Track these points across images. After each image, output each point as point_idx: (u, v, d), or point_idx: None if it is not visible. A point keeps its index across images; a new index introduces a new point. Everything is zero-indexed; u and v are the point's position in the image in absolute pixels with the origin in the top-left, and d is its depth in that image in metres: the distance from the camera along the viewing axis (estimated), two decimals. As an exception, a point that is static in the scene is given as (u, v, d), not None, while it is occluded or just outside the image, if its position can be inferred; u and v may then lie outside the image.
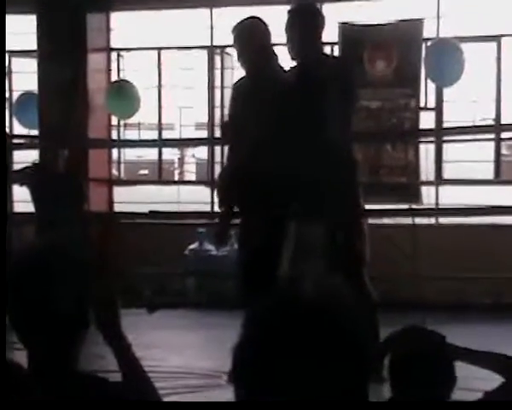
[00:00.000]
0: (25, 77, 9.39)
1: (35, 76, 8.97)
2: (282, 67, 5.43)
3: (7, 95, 9.30)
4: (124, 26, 9.72)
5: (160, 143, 9.64)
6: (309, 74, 5.12)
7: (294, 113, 5.05)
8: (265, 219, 5.18)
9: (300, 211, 5.17)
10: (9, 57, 9.35)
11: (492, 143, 8.62)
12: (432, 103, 8.52)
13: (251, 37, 5.33)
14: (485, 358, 2.54)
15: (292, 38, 5.17)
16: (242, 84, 5.46)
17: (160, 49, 9.49)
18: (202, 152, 12.17)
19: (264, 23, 5.44)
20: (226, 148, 5.95)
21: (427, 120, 8.50)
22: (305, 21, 5.17)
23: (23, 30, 9.11)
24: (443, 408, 2.43)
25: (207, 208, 9.07)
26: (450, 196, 8.65)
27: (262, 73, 5.27)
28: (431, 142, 8.50)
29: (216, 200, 5.76)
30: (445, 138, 8.58)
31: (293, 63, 5.31)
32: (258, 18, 5.49)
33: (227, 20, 9.40)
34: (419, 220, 8.07)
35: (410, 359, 2.44)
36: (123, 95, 8.78)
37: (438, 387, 2.43)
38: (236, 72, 9.52)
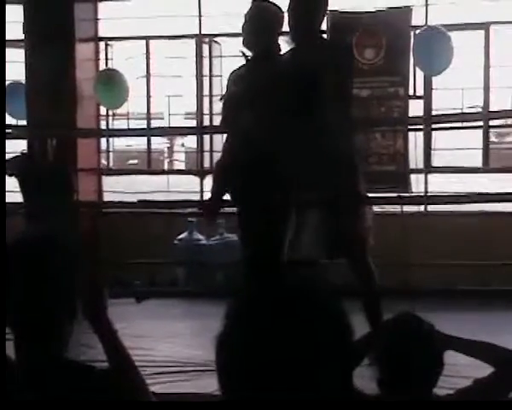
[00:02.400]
0: (12, 67, 9.33)
1: (22, 66, 8.93)
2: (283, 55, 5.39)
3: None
4: (112, 15, 9.69)
5: (149, 131, 9.62)
6: (308, 59, 5.09)
7: (294, 98, 5.02)
8: (266, 206, 5.13)
9: (300, 196, 5.13)
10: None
11: (481, 131, 8.64)
12: (421, 91, 8.53)
13: (264, 19, 5.24)
14: (475, 347, 2.55)
15: (292, 21, 5.14)
16: (241, 70, 5.39)
17: (148, 38, 9.46)
18: (191, 141, 12.15)
19: (280, 9, 5.34)
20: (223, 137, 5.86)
21: (415, 108, 8.51)
22: (307, 5, 5.14)
23: (10, 19, 9.06)
24: (441, 408, 2.43)
25: (197, 198, 9.07)
26: (439, 184, 8.67)
27: (266, 60, 5.20)
28: (420, 130, 8.51)
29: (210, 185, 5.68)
30: (434, 126, 8.59)
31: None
32: (273, 3, 5.39)
33: (215, 8, 9.40)
34: (408, 208, 8.09)
35: (399, 347, 2.44)
36: (111, 84, 8.75)
37: (426, 375, 2.44)
38: (225, 60, 9.53)
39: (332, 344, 1.37)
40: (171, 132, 13.61)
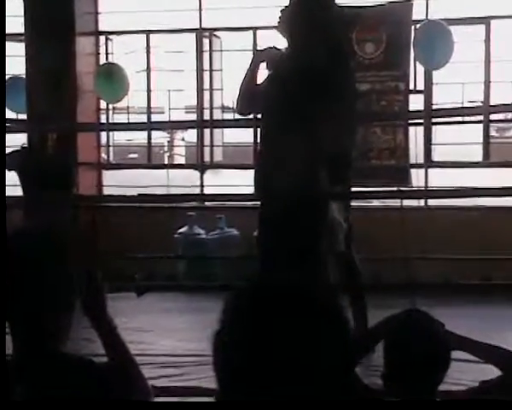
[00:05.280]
0: (12, 61, 9.33)
1: (22, 60, 8.93)
2: None
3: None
4: (112, 9, 9.68)
5: (149, 125, 9.62)
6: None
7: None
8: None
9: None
10: (-3, 41, 9.28)
11: (481, 125, 8.63)
12: (421, 86, 8.52)
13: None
14: (483, 349, 2.54)
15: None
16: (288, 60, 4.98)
17: (148, 32, 9.45)
18: (192, 135, 12.15)
19: None
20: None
21: (416, 103, 8.51)
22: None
23: (10, 13, 9.05)
24: (442, 408, 2.43)
25: (197, 191, 9.08)
26: (440, 179, 8.67)
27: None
28: (420, 124, 8.51)
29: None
30: (435, 121, 8.59)
31: None
32: None
33: (215, 2, 9.39)
34: (408, 202, 8.09)
35: (407, 343, 2.43)
36: (111, 78, 8.74)
37: (431, 372, 2.43)
38: (225, 55, 9.53)
39: (331, 341, 1.38)
40: (172, 126, 13.59)
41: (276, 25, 5.02)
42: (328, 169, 4.92)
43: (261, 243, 5.02)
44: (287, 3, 5.15)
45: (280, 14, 4.97)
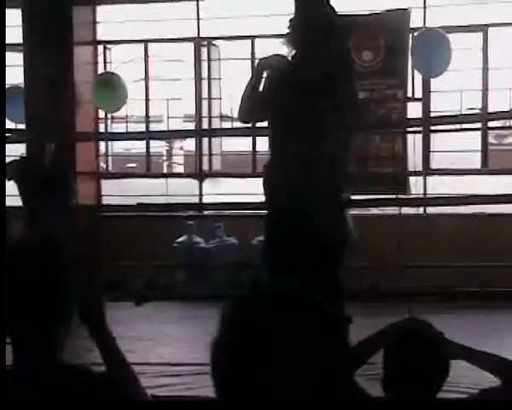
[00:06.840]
0: (11, 71, 9.35)
1: (21, 70, 8.94)
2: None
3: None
4: (110, 18, 9.70)
5: (148, 135, 9.62)
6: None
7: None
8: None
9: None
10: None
11: (480, 133, 8.64)
12: (419, 94, 8.53)
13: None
14: (483, 358, 2.54)
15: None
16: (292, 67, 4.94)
17: (146, 41, 9.47)
18: (190, 144, 12.16)
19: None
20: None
21: (414, 111, 8.51)
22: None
23: (8, 23, 9.06)
24: (442, 408, 2.43)
25: (196, 200, 9.08)
26: (438, 186, 8.68)
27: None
28: (418, 132, 8.51)
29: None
30: (433, 128, 8.59)
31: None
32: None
33: (213, 11, 9.41)
34: (407, 210, 8.10)
35: (406, 352, 2.43)
36: (110, 88, 8.75)
37: (431, 381, 2.43)
38: (223, 63, 9.54)
39: (330, 350, 1.38)
40: (170, 135, 13.60)
41: (285, 33, 5.02)
42: (343, 175, 4.92)
43: (271, 251, 4.98)
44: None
45: (288, 23, 4.97)
